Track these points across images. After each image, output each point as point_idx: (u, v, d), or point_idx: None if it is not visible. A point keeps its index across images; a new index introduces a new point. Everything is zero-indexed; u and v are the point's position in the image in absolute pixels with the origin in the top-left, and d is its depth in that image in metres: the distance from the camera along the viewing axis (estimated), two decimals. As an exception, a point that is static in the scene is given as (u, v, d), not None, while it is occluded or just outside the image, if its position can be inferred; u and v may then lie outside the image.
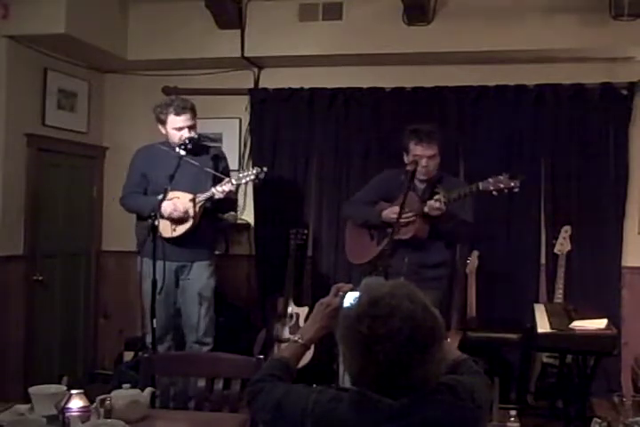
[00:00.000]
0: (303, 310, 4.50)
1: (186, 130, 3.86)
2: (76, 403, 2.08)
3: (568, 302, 4.00)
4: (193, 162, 3.78)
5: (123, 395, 2.27)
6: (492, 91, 4.72)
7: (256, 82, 5.10)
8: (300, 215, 4.98)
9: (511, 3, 4.37)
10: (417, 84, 4.81)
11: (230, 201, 4.03)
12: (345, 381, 3.54)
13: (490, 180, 3.44)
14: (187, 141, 3.79)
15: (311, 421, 1.53)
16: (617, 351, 3.53)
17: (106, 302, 5.31)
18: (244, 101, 5.07)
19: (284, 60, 4.82)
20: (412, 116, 4.56)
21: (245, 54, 4.78)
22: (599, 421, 2.09)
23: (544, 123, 4.67)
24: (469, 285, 4.42)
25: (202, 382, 2.66)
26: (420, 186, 3.77)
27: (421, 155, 3.66)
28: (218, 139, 5.06)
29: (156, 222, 3.49)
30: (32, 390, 2.27)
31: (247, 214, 5.09)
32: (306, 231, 4.72)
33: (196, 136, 3.86)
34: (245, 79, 5.07)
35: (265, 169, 3.78)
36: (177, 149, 3.74)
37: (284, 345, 4.18)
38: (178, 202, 3.78)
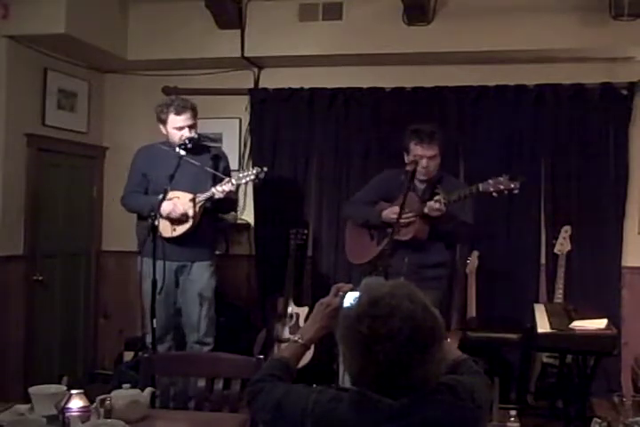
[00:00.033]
0: (303, 310, 4.50)
1: (186, 129, 3.86)
2: (76, 403, 2.08)
3: (568, 302, 4.00)
4: (193, 162, 3.78)
5: (123, 395, 2.26)
6: (492, 91, 4.72)
7: (256, 82, 5.10)
8: (300, 215, 4.98)
9: (511, 3, 4.37)
10: (417, 84, 4.81)
11: (230, 201, 4.03)
12: (345, 381, 3.54)
13: (490, 181, 3.44)
14: (187, 141, 3.79)
15: (311, 421, 1.53)
16: (617, 351, 3.53)
17: (106, 302, 5.31)
18: (243, 101, 5.07)
19: (284, 60, 4.82)
20: (412, 116, 4.56)
21: (245, 54, 4.78)
22: (599, 421, 2.09)
23: (544, 123, 4.67)
24: (469, 285, 4.42)
25: (202, 382, 2.66)
26: (420, 186, 3.77)
27: (422, 155, 3.66)
28: (218, 139, 5.06)
29: (156, 222, 3.49)
30: (32, 390, 2.27)
31: (247, 214, 5.09)
32: (306, 231, 4.72)
33: (196, 136, 3.86)
34: (245, 79, 5.07)
35: (265, 169, 3.78)
36: (177, 149, 3.74)
37: (284, 345, 4.18)
38: (178, 202, 3.79)
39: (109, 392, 2.27)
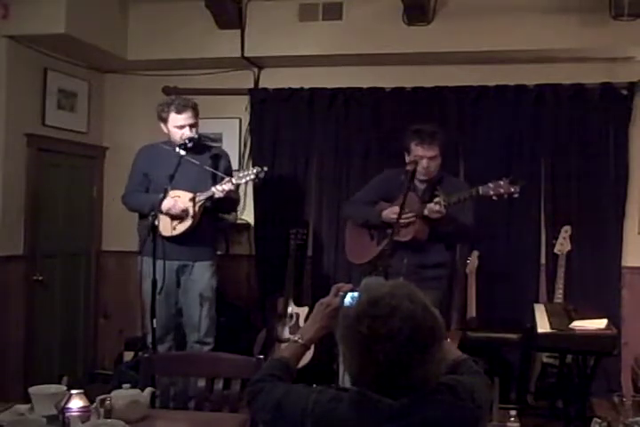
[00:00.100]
0: (303, 310, 4.50)
1: (187, 128, 3.86)
2: (76, 403, 2.08)
3: (568, 302, 4.00)
4: (194, 161, 3.78)
5: (123, 395, 2.27)
6: (492, 91, 4.72)
7: (256, 82, 5.10)
8: (300, 215, 4.98)
9: (511, 3, 4.37)
10: (417, 84, 4.81)
11: (231, 201, 4.02)
12: (345, 381, 3.54)
13: (490, 184, 3.44)
14: (187, 141, 3.79)
15: (311, 421, 1.53)
16: (617, 351, 3.53)
17: (106, 302, 5.31)
18: (243, 101, 5.07)
19: (284, 60, 4.82)
20: (412, 116, 4.56)
21: (245, 54, 4.78)
22: (599, 421, 2.09)
23: (544, 123, 4.67)
24: (469, 285, 4.42)
25: (202, 382, 2.66)
26: (421, 186, 3.77)
27: (422, 155, 3.65)
28: (218, 139, 5.06)
29: (156, 222, 3.49)
30: (32, 390, 2.27)
31: (247, 214, 5.09)
32: (306, 231, 4.72)
33: (196, 136, 3.86)
34: (245, 79, 5.07)
35: (265, 168, 3.78)
36: (177, 149, 3.74)
37: (284, 345, 4.18)
38: (178, 200, 3.79)
39: (109, 392, 2.28)
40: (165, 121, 3.89)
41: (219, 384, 2.65)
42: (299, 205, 4.99)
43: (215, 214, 4.08)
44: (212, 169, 3.88)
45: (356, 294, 1.66)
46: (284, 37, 4.68)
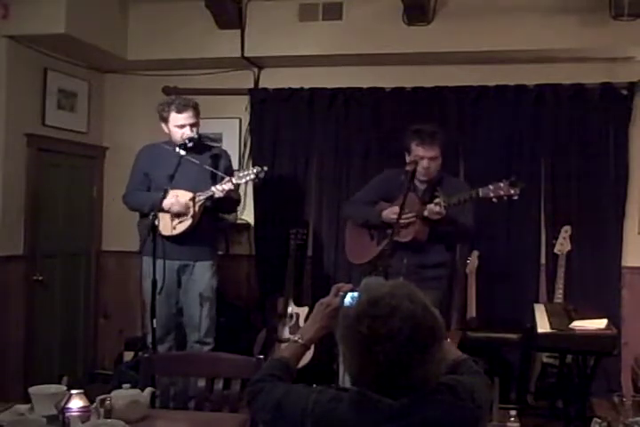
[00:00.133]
0: (303, 310, 4.50)
1: (188, 128, 3.86)
2: (76, 403, 2.08)
3: (568, 302, 4.00)
4: (194, 160, 3.78)
5: (123, 395, 2.27)
6: (492, 91, 4.72)
7: (256, 82, 5.10)
8: (300, 215, 4.98)
9: (511, 3, 4.37)
10: (417, 84, 4.81)
11: (231, 200, 4.02)
12: (345, 381, 3.54)
13: (490, 186, 3.43)
14: (187, 141, 3.79)
15: (311, 421, 1.53)
16: (617, 351, 3.53)
17: (106, 302, 5.31)
18: (243, 101, 5.07)
19: (284, 60, 4.82)
20: (412, 116, 4.56)
21: (245, 54, 4.78)
22: (599, 421, 2.09)
23: (544, 123, 4.67)
24: (469, 285, 4.42)
25: (202, 382, 2.66)
26: (421, 187, 3.77)
27: (423, 156, 3.65)
28: (218, 139, 5.06)
29: (156, 222, 3.50)
30: (32, 390, 2.27)
31: (247, 214, 5.09)
32: (306, 231, 4.72)
33: (197, 136, 3.86)
34: (245, 79, 5.07)
35: (265, 168, 3.78)
36: (177, 149, 3.74)
37: (284, 345, 4.18)
38: (179, 199, 3.79)
39: (109, 392, 2.28)
40: (166, 120, 3.89)
41: (219, 384, 2.65)
42: (299, 205, 4.99)
43: (215, 214, 4.08)
44: (212, 169, 3.88)
45: (355, 294, 1.66)
46: (284, 37, 4.68)
